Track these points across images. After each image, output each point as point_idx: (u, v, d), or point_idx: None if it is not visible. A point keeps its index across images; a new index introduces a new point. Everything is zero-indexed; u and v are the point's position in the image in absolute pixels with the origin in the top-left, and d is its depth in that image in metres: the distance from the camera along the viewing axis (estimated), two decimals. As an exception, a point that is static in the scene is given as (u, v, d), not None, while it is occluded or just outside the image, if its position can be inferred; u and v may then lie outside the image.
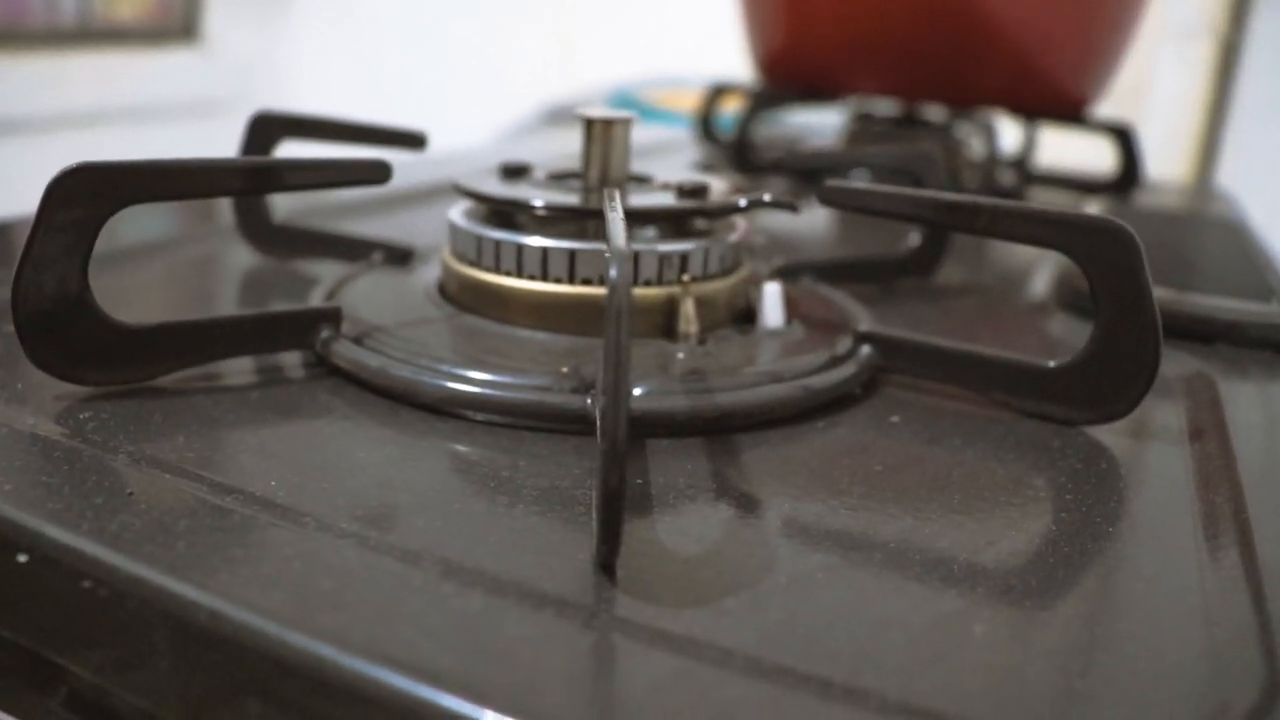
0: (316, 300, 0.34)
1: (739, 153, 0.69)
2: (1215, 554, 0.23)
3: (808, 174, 0.61)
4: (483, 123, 1.27)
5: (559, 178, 0.35)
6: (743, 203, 0.32)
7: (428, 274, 0.37)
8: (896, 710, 0.17)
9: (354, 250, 0.41)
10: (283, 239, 0.42)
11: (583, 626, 0.18)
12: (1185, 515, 0.25)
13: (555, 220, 0.32)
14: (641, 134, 1.03)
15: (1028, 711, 0.17)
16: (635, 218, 0.32)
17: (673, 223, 0.33)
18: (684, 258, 0.32)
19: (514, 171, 0.35)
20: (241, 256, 0.42)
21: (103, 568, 0.19)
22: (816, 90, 0.69)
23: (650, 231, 0.33)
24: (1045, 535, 0.24)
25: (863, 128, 0.72)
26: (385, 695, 0.17)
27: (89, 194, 0.26)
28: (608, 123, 0.34)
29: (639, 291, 0.31)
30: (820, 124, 0.88)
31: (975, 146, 0.68)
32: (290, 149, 0.39)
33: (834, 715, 0.17)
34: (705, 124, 0.79)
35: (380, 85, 1.77)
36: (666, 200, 0.33)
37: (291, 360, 0.31)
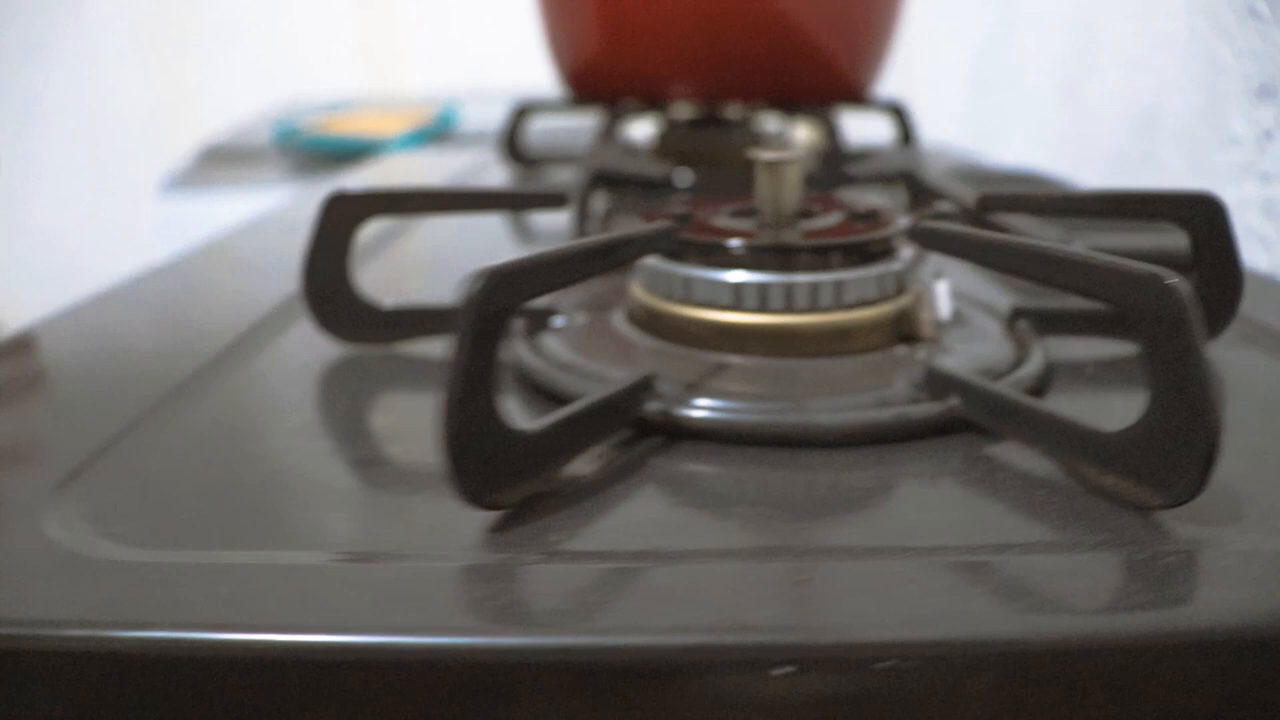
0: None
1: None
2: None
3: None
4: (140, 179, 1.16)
5: (740, 215, 0.38)
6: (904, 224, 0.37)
7: (613, 325, 0.37)
8: None
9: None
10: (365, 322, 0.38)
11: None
12: None
13: (756, 253, 0.34)
14: (440, 162, 1.00)
15: None
16: (851, 248, 0.35)
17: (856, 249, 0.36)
18: (899, 274, 0.36)
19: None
20: (323, 349, 0.38)
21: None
22: (629, 101, 0.73)
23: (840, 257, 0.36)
24: None
25: (669, 130, 0.78)
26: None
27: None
28: (776, 164, 0.37)
29: (888, 307, 0.35)
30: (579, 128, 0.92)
31: (774, 140, 0.77)
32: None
33: None
34: (511, 144, 0.80)
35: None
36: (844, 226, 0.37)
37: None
